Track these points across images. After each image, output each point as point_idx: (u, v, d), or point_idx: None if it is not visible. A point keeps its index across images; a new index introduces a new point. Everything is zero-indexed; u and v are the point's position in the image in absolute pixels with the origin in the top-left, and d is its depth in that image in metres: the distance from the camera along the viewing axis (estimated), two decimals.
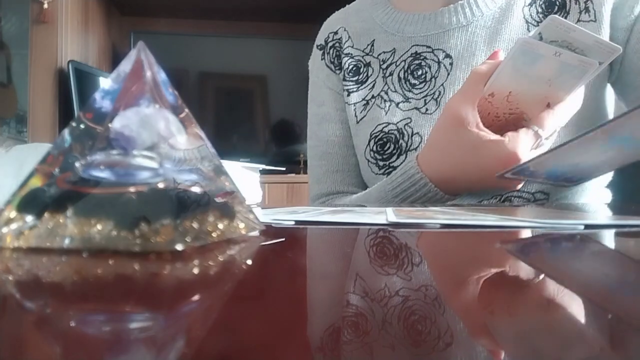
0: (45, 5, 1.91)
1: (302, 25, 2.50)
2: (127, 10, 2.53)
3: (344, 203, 0.69)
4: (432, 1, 0.69)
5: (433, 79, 0.66)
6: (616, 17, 0.61)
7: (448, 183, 0.54)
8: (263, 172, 0.83)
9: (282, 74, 2.53)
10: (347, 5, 0.80)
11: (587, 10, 0.62)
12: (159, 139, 0.18)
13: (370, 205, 0.52)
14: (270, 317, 0.10)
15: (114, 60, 2.52)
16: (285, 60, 2.51)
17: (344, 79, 0.74)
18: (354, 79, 0.73)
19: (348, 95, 0.73)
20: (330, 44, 0.77)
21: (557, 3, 0.64)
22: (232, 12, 2.51)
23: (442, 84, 0.66)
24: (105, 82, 0.20)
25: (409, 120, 0.66)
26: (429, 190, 0.55)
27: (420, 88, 0.67)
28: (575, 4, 0.63)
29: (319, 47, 0.79)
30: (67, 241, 0.17)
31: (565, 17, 0.63)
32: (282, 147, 2.57)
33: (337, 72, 0.75)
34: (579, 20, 0.62)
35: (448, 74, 0.66)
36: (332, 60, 0.76)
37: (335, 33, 0.77)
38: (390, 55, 0.70)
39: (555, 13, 0.64)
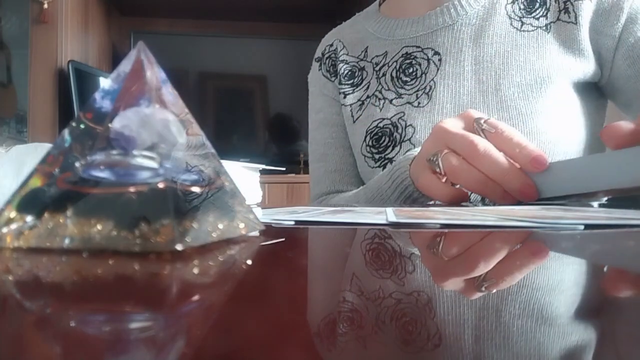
0: (45, 5, 1.92)
1: (302, 25, 2.50)
2: (127, 10, 2.54)
3: (335, 202, 0.71)
4: (419, 7, 0.74)
5: (423, 75, 0.70)
6: (601, 22, 0.64)
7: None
8: (263, 172, 0.84)
9: (282, 74, 2.53)
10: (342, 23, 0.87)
11: (566, 11, 0.65)
12: (159, 139, 0.18)
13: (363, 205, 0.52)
14: (270, 317, 0.10)
15: (114, 60, 2.52)
16: (285, 60, 2.52)
17: (340, 83, 0.79)
18: (350, 82, 0.77)
19: (344, 97, 0.77)
20: (326, 55, 0.83)
21: (539, 0, 0.67)
22: (232, 12, 2.51)
23: (432, 79, 0.69)
24: (105, 82, 0.20)
25: (402, 114, 0.69)
26: (406, 188, 0.56)
27: (412, 84, 0.71)
28: (555, 2, 0.66)
29: (316, 60, 0.85)
30: (67, 241, 0.17)
31: (546, 14, 0.66)
32: (282, 147, 2.57)
33: (333, 79, 0.80)
34: (558, 19, 0.66)
35: (437, 69, 0.70)
36: (328, 69, 0.81)
37: (331, 45, 0.83)
38: (383, 58, 0.75)
39: (536, 10, 0.67)
